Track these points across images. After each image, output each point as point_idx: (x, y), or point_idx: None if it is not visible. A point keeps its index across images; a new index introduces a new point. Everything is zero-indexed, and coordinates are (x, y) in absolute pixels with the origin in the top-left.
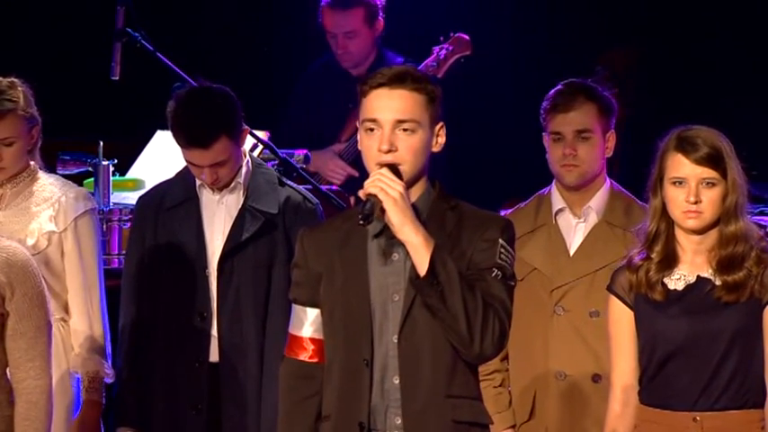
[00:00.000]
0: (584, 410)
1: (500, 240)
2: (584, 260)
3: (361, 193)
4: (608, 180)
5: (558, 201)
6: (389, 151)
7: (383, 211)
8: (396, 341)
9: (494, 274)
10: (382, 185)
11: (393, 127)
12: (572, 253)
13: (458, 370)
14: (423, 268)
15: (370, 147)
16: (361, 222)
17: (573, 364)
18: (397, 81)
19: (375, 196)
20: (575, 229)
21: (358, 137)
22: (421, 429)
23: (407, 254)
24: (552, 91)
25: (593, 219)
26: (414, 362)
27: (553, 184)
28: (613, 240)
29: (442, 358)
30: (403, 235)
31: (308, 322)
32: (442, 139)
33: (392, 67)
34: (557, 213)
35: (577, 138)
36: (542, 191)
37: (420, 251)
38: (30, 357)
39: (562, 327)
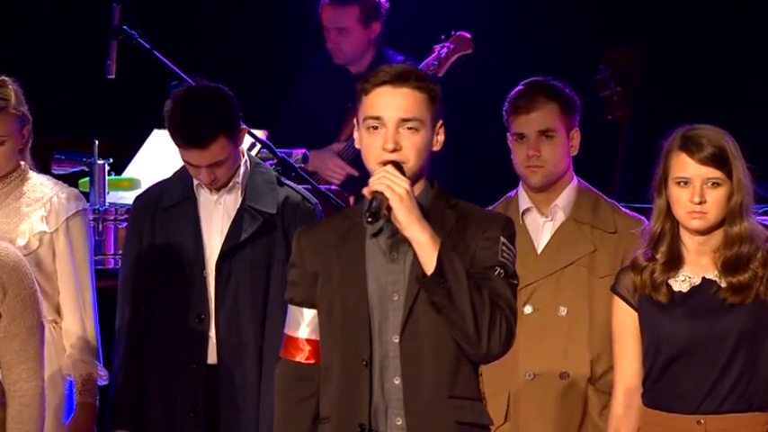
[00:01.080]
0: (556, 409)
1: (501, 238)
2: (551, 258)
3: (365, 191)
4: (575, 178)
5: (524, 201)
6: (394, 150)
7: (389, 208)
8: (396, 341)
9: (497, 273)
10: (388, 183)
11: (397, 125)
12: (539, 251)
13: (460, 370)
14: (430, 266)
15: (373, 145)
16: (369, 220)
17: (542, 362)
18: (400, 79)
19: (381, 194)
20: (542, 228)
21: (356, 135)
22: (424, 430)
23: (407, 253)
24: (513, 91)
25: (560, 217)
26: (416, 362)
27: (520, 185)
28: (581, 238)
29: (445, 358)
30: (409, 233)
31: (304, 323)
32: (441, 138)
33: (394, 65)
34: (524, 213)
35: (540, 138)
36: (509, 194)
37: (427, 249)
38: (22, 359)
39: (531, 325)
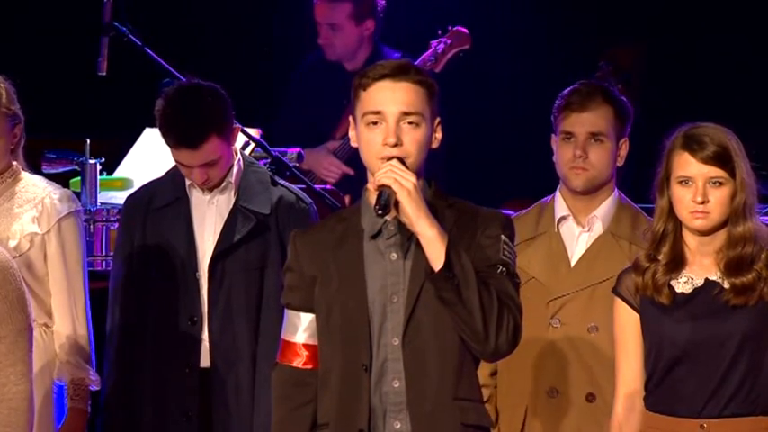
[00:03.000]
0: (576, 431)
1: (502, 236)
2: (585, 271)
3: (371, 186)
4: (616, 190)
5: (561, 208)
6: (395, 145)
7: (396, 203)
8: (396, 344)
9: (499, 271)
10: (396, 176)
11: (398, 120)
12: (573, 263)
13: (464, 371)
14: (438, 262)
15: (373, 140)
16: (379, 213)
17: (566, 380)
18: (401, 73)
19: (389, 187)
20: (578, 239)
21: (353, 132)
22: None
23: (406, 254)
24: (568, 89)
25: (598, 229)
26: (419, 364)
27: (557, 191)
28: (618, 253)
29: (449, 360)
30: (418, 227)
31: (302, 327)
32: (439, 135)
33: (392, 60)
34: (559, 221)
35: (590, 140)
36: (545, 199)
37: (435, 244)
38: (10, 362)
39: (557, 341)
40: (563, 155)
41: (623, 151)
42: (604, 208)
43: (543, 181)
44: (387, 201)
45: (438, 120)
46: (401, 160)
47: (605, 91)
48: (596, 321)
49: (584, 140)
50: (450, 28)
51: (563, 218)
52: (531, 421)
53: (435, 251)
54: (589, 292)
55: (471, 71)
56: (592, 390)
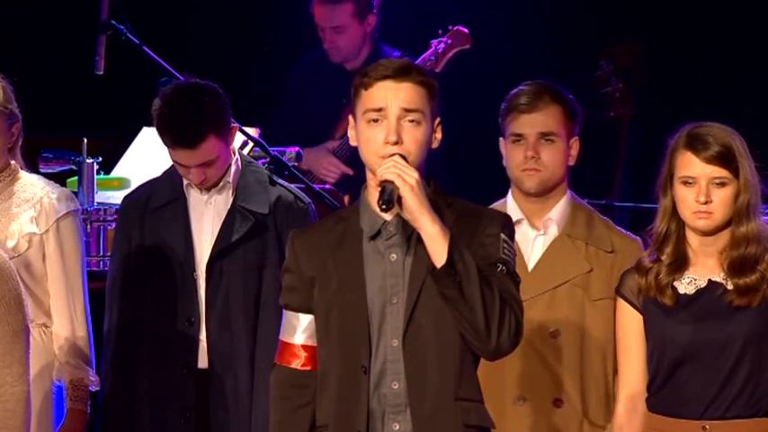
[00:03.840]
0: None
1: (502, 235)
2: (543, 276)
3: (371, 182)
4: (569, 191)
5: (514, 212)
6: (396, 143)
7: (399, 199)
8: (395, 345)
9: (499, 269)
10: (399, 172)
11: (399, 118)
12: (530, 268)
13: (464, 372)
14: (440, 258)
15: (374, 138)
16: (384, 208)
17: (532, 387)
18: (402, 73)
19: (392, 183)
20: (533, 243)
21: (353, 132)
22: None
23: (405, 254)
24: (514, 90)
25: (553, 231)
26: (420, 365)
27: (509, 194)
28: (575, 255)
29: (449, 360)
30: (420, 223)
31: (300, 329)
32: (439, 135)
33: (393, 60)
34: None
35: (540, 141)
36: (497, 203)
37: (437, 241)
38: (7, 363)
39: (521, 347)
40: (514, 157)
41: (574, 150)
42: (559, 210)
43: None
44: (390, 196)
45: (438, 120)
46: (402, 157)
47: (553, 90)
48: (558, 325)
49: (535, 141)
50: (450, 28)
51: (517, 222)
52: (501, 429)
53: (438, 248)
54: (549, 297)
55: (471, 71)
56: (558, 395)
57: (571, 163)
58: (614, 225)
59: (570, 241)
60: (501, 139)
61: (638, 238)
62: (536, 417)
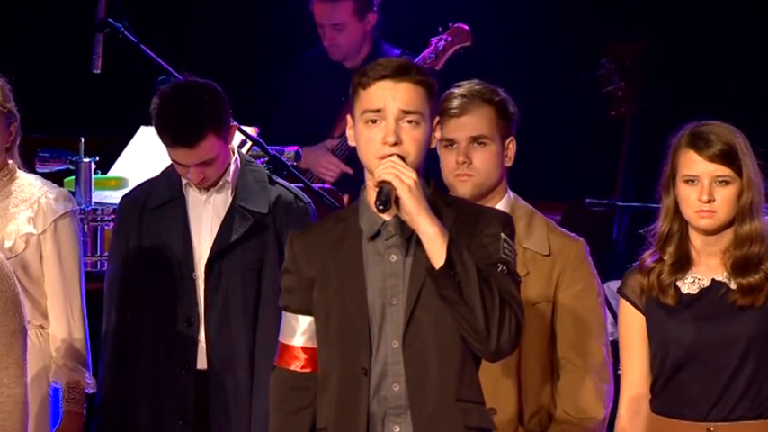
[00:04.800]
0: None
1: (502, 235)
2: None
3: (370, 183)
4: (509, 192)
5: None
6: (395, 144)
7: (397, 199)
8: (396, 346)
9: (499, 269)
10: (396, 172)
11: (398, 118)
12: None
13: (465, 373)
14: (439, 259)
15: (372, 139)
16: (380, 209)
17: (500, 398)
18: (401, 73)
19: (389, 183)
20: None
21: (351, 132)
22: None
23: (405, 255)
24: (444, 94)
25: None
26: (421, 366)
27: None
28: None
29: (450, 360)
30: (418, 224)
31: (300, 330)
32: (438, 135)
33: (392, 59)
34: None
35: (472, 145)
36: None
37: (436, 241)
38: (4, 365)
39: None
40: (446, 163)
41: (511, 151)
42: None
43: (544, 180)
44: (387, 196)
45: (437, 119)
46: (401, 158)
47: (484, 91)
48: None
49: (466, 146)
50: (450, 25)
51: None
52: None
53: (436, 248)
54: None
55: (472, 69)
56: (492, 404)
57: (507, 164)
58: (556, 226)
59: None
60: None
61: (579, 238)
62: (507, 428)
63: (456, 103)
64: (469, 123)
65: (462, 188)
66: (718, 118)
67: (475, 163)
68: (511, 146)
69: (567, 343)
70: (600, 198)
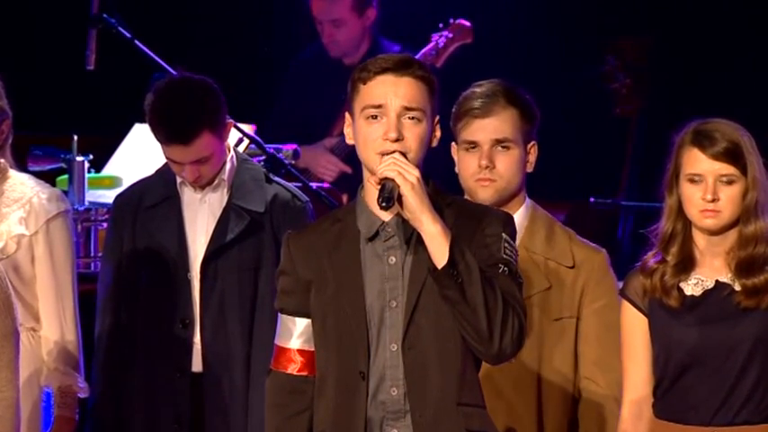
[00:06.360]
0: None
1: (503, 235)
2: None
3: (372, 179)
4: (528, 199)
5: None
6: (396, 140)
7: (399, 197)
8: (395, 350)
9: (501, 270)
10: (399, 169)
11: (400, 114)
12: None
13: (466, 376)
14: (442, 258)
15: (373, 135)
16: (384, 206)
17: (519, 419)
18: (403, 67)
19: (392, 180)
20: None
21: (350, 129)
22: None
23: (404, 257)
24: (465, 92)
25: None
26: (421, 370)
27: None
28: (534, 272)
29: (451, 364)
30: (420, 223)
31: (296, 333)
32: (438, 134)
33: (392, 54)
34: None
35: (495, 148)
36: None
37: (438, 240)
38: None
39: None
40: (467, 167)
41: (532, 156)
42: (516, 221)
43: (544, 180)
44: (390, 193)
45: (437, 118)
46: (402, 154)
47: (508, 91)
48: None
49: (489, 149)
50: (451, 21)
51: None
52: None
53: (439, 248)
54: None
55: (473, 66)
56: (511, 424)
57: (529, 170)
58: (576, 236)
59: (528, 256)
60: (453, 143)
61: (602, 249)
62: None
63: (478, 103)
64: (493, 125)
65: (483, 194)
66: (723, 116)
67: (498, 167)
68: (533, 150)
69: (590, 360)
70: (605, 197)
